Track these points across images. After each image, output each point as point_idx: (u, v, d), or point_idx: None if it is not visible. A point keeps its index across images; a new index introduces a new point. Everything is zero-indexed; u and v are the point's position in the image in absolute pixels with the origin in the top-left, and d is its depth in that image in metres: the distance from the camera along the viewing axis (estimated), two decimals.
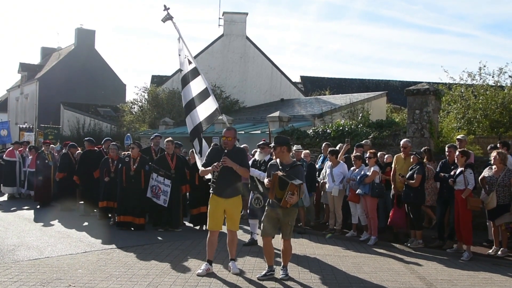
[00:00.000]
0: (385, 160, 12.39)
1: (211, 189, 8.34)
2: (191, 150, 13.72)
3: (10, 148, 20.82)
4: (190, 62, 10.00)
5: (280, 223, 7.94)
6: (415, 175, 10.62)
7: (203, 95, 9.96)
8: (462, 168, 10.00)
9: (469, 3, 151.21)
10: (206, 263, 8.25)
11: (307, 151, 13.56)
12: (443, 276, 8.59)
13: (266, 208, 8.07)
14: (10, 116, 51.51)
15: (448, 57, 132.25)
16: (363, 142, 13.51)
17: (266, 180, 7.93)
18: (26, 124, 44.02)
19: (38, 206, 16.38)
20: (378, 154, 12.55)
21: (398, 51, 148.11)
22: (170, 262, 8.94)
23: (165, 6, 9.84)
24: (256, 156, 10.69)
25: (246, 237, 11.27)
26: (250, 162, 9.67)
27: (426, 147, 12.03)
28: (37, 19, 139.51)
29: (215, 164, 7.99)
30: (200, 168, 8.77)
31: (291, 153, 9.19)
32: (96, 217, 13.99)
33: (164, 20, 9.93)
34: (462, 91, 19.26)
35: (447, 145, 11.20)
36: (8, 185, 19.54)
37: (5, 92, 60.31)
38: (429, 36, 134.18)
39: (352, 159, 11.95)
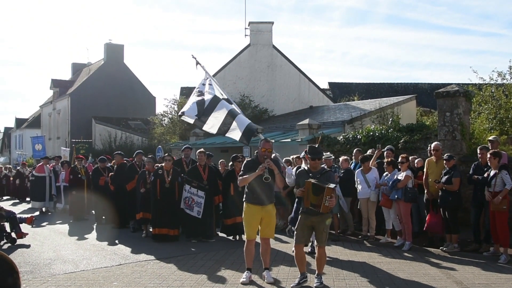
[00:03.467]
0: (415, 164, 12.27)
1: (246, 198, 8.42)
2: (220, 161, 13.83)
3: (40, 164, 21.12)
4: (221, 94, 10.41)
5: (315, 230, 7.94)
6: (452, 179, 10.51)
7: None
8: (496, 171, 9.84)
9: (494, 2, 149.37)
10: (247, 271, 8.33)
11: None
12: (481, 280, 8.45)
13: (300, 216, 8.07)
14: (43, 131, 52.32)
15: (476, 57, 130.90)
16: (387, 147, 13.36)
17: (297, 190, 7.96)
18: (59, 139, 44.77)
19: (72, 221, 16.62)
20: (410, 158, 12.49)
21: (425, 53, 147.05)
22: (205, 273, 8.97)
23: (192, 55, 10.75)
24: (303, 165, 10.75)
25: (278, 246, 11.30)
26: (293, 170, 9.81)
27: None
28: (67, 36, 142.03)
29: (261, 166, 8.05)
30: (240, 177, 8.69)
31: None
32: (130, 229, 14.14)
33: (196, 65, 10.66)
34: (493, 91, 18.95)
35: (479, 147, 11.05)
36: (37, 200, 19.84)
37: (38, 108, 61.37)
38: (455, 37, 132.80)
39: (384, 165, 11.88)
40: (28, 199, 24.32)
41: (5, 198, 28.15)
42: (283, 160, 11.61)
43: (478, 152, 10.82)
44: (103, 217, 15.65)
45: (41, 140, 28.77)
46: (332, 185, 7.51)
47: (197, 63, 10.72)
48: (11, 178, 27.89)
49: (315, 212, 7.67)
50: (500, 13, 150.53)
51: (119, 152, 16.90)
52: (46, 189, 19.79)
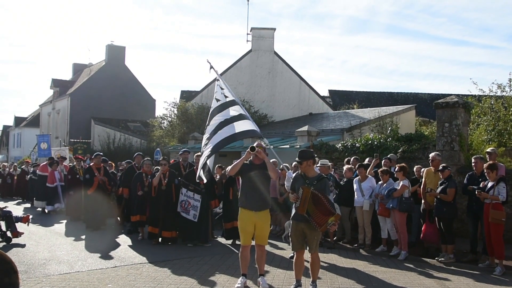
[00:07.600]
0: (421, 173, 12.22)
1: (239, 203, 8.41)
2: (217, 165, 13.81)
3: (44, 163, 20.98)
4: (226, 96, 10.22)
5: (306, 237, 7.90)
6: (447, 190, 10.51)
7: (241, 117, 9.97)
8: (494, 183, 9.84)
9: (493, 14, 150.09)
10: (242, 276, 8.30)
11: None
12: None
13: (291, 222, 8.04)
14: (42, 131, 52.30)
15: (476, 69, 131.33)
16: (389, 156, 13.43)
17: (291, 195, 7.88)
18: (58, 139, 44.66)
19: (66, 221, 16.58)
20: (415, 168, 12.50)
21: (425, 63, 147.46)
22: (200, 277, 8.95)
23: (207, 60, 10.82)
24: (289, 172, 10.74)
25: (274, 252, 11.28)
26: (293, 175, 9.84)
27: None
28: (69, 36, 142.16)
29: (248, 150, 8.11)
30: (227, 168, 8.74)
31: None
32: (125, 231, 14.11)
33: (209, 69, 10.70)
34: (492, 103, 19.02)
35: (473, 157, 11.08)
36: (40, 200, 19.73)
37: (37, 107, 61.38)
38: (455, 49, 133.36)
39: (380, 174, 11.87)
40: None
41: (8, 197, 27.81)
42: (281, 166, 11.59)
43: (473, 161, 10.86)
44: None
45: (46, 139, 28.53)
46: (338, 211, 7.54)
47: (211, 67, 10.80)
48: (15, 177, 27.65)
49: (305, 219, 7.62)
50: (499, 26, 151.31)
51: (99, 153, 16.71)
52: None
